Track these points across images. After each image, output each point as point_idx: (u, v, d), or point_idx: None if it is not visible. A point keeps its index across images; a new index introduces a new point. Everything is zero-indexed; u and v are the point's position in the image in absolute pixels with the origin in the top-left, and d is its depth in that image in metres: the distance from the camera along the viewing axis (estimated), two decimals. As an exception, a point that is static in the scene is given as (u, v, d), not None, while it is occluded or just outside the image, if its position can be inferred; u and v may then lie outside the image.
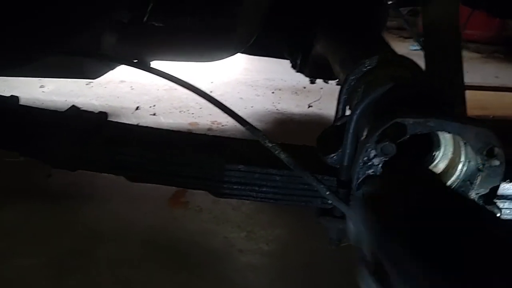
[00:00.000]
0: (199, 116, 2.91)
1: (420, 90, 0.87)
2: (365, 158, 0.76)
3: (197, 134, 1.10)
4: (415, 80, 0.92)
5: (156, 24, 1.81)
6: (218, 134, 2.81)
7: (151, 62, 1.79)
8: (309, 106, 3.30)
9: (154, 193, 2.13)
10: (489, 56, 4.95)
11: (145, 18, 1.72)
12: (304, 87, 3.63)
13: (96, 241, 1.85)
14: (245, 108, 3.18)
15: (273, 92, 3.53)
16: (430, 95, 0.86)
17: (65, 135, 0.97)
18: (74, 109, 1.06)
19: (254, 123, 3.22)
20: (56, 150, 0.96)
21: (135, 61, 1.64)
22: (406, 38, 5.40)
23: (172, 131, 1.10)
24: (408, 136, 0.73)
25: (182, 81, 1.19)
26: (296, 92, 3.55)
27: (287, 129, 2.95)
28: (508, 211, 1.00)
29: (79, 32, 1.49)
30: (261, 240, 1.91)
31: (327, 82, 3.75)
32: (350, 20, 1.53)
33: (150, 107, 3.07)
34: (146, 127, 1.11)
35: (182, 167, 0.99)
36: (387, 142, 0.71)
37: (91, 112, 1.08)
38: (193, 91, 1.15)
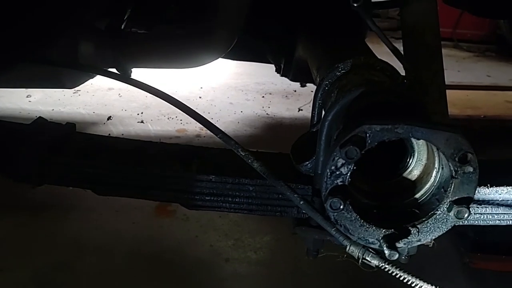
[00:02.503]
0: (187, 123, 2.88)
1: (392, 95, 0.84)
2: (333, 168, 0.72)
3: (169, 144, 1.07)
4: (388, 84, 0.89)
5: (134, 31, 1.78)
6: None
7: (132, 70, 1.76)
8: (299, 110, 3.27)
9: (140, 203, 2.06)
10: (480, 55, 4.92)
11: (122, 25, 1.69)
12: (295, 91, 3.60)
13: (80, 253, 1.81)
14: (235, 113, 3.15)
15: (263, 96, 3.50)
16: (403, 100, 0.83)
17: (29, 148, 0.94)
18: (40, 121, 1.02)
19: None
20: (19, 164, 0.93)
21: (113, 69, 1.61)
22: (397, 38, 5.37)
23: (143, 141, 1.06)
24: (375, 144, 0.70)
25: (156, 89, 1.17)
26: (286, 96, 3.52)
27: (277, 133, 2.92)
28: (490, 216, 0.96)
29: (54, 38, 1.46)
30: (249, 248, 1.87)
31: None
32: (329, 24, 1.50)
33: (138, 114, 3.03)
34: (117, 137, 1.08)
35: (152, 179, 0.95)
36: (350, 146, 0.68)
37: (59, 124, 1.05)
38: (165, 100, 1.12)
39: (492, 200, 0.95)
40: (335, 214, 0.75)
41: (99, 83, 3.37)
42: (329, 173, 0.73)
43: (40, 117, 1.03)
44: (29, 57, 1.39)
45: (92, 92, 3.34)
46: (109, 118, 2.94)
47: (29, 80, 1.55)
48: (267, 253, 1.85)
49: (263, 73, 3.78)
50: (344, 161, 0.71)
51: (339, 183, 0.73)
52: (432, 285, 0.82)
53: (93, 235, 1.91)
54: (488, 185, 0.95)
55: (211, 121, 1.01)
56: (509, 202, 0.95)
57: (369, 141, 0.70)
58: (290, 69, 1.88)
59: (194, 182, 0.95)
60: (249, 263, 1.78)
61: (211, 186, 0.95)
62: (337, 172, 0.72)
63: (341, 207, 0.73)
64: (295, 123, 3.06)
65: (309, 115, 3.34)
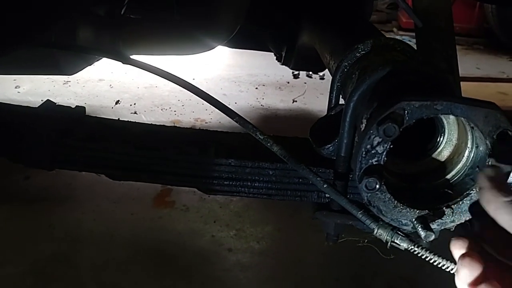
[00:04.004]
0: (181, 114, 2.83)
1: (419, 74, 0.82)
2: (368, 146, 0.70)
3: (183, 127, 1.03)
4: (413, 64, 0.87)
5: (134, 17, 1.73)
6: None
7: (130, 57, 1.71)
8: (293, 101, 3.25)
9: (138, 193, 2.06)
10: (469, 48, 4.97)
11: (122, 11, 1.64)
12: (288, 82, 3.58)
13: (77, 245, 1.77)
14: (229, 105, 3.03)
15: (256, 88, 3.47)
16: (431, 78, 0.81)
17: (40, 132, 0.90)
18: (49, 104, 0.98)
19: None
20: (30, 148, 0.89)
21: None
22: (386, 31, 5.39)
23: (156, 125, 1.02)
24: (413, 121, 0.68)
25: (167, 72, 1.13)
26: (280, 87, 3.49)
27: (272, 124, 2.89)
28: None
29: (53, 22, 1.41)
30: (251, 238, 1.85)
31: (310, 77, 3.73)
32: (337, 10, 1.48)
33: (131, 105, 2.97)
34: (128, 121, 1.04)
35: (167, 163, 0.92)
36: (389, 123, 0.66)
37: (68, 107, 1.00)
38: (179, 84, 1.08)
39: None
40: (369, 195, 0.72)
41: (89, 74, 3.30)
42: (364, 152, 0.70)
43: (48, 100, 0.98)
44: (28, 41, 1.34)
45: (83, 83, 3.27)
46: (117, 102, 2.88)
47: (26, 66, 1.50)
48: (269, 243, 1.83)
49: (255, 65, 3.75)
50: (380, 139, 0.69)
51: (374, 163, 0.71)
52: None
53: (90, 227, 1.87)
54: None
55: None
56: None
57: (407, 118, 0.67)
58: (291, 57, 1.85)
59: (212, 166, 0.92)
60: (252, 253, 1.76)
61: (230, 170, 0.93)
62: (373, 151, 0.70)
63: (377, 187, 0.71)
64: (290, 114, 3.03)
65: (304, 106, 3.33)
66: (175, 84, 0.99)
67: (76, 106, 1.01)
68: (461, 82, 3.55)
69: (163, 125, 1.03)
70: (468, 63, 4.37)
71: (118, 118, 1.12)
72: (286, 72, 3.50)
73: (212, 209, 1.96)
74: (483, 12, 4.96)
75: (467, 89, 3.34)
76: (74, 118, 0.97)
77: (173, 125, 2.76)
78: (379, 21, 5.50)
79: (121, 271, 1.66)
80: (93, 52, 1.33)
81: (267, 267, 1.71)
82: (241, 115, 0.93)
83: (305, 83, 3.56)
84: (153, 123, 1.03)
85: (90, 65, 1.70)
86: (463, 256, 0.62)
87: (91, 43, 1.56)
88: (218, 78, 3.58)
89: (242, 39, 1.91)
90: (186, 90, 0.99)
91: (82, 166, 0.93)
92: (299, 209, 1.93)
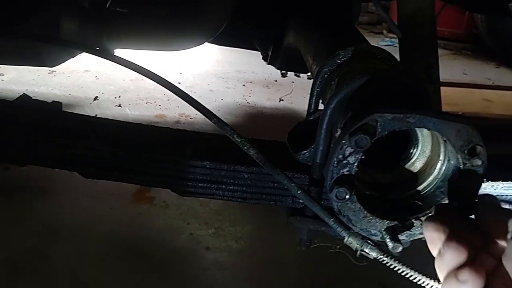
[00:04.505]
0: (166, 108, 2.82)
1: (398, 84, 0.82)
2: (340, 156, 0.70)
3: (160, 127, 1.02)
4: (393, 73, 0.87)
5: (120, 10, 1.71)
6: (186, 127, 2.74)
7: (114, 51, 1.70)
8: (280, 100, 3.25)
9: (118, 188, 2.04)
10: (457, 53, 5.01)
11: (108, 4, 1.62)
12: (276, 81, 3.58)
13: (54, 239, 1.75)
14: (215, 101, 3.10)
15: (244, 85, 3.46)
16: (408, 89, 0.81)
17: (14, 126, 0.88)
18: (24, 98, 0.97)
19: (224, 117, 3.14)
20: (4, 142, 0.87)
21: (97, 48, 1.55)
22: (376, 33, 5.41)
23: (133, 123, 1.02)
24: (385, 133, 0.68)
25: (148, 71, 1.11)
26: (267, 85, 3.49)
27: (258, 123, 2.89)
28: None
29: (34, 13, 1.39)
30: (230, 237, 1.85)
31: (298, 76, 3.73)
32: (323, 12, 1.47)
33: (116, 98, 2.95)
34: (105, 118, 1.03)
35: (142, 163, 0.91)
36: (361, 135, 0.66)
37: (44, 102, 0.99)
38: (158, 82, 1.07)
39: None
40: (339, 204, 0.72)
41: (75, 64, 3.26)
42: (336, 162, 0.70)
43: (24, 94, 0.97)
44: (7, 32, 1.32)
45: (68, 74, 3.24)
46: (95, 98, 2.85)
47: (6, 56, 1.47)
48: (248, 243, 1.83)
49: (243, 61, 3.74)
50: (352, 150, 0.69)
51: (346, 173, 0.71)
52: (429, 278, 0.82)
53: (68, 221, 1.85)
54: (485, 179, 0.94)
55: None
56: (503, 197, 0.96)
57: (379, 130, 0.67)
58: (278, 57, 1.85)
59: (187, 167, 0.91)
60: (230, 252, 1.76)
61: (205, 173, 0.92)
62: (344, 161, 0.70)
63: (347, 197, 0.71)
64: (276, 113, 3.04)
65: (290, 105, 3.32)
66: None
67: (52, 101, 0.99)
68: (448, 88, 3.58)
69: (140, 124, 1.02)
70: (456, 68, 4.40)
71: (96, 115, 1.10)
72: (274, 70, 3.48)
73: (192, 206, 1.96)
74: (473, 17, 5.00)
75: (453, 95, 3.39)
76: (50, 113, 0.95)
77: (156, 119, 2.75)
78: (369, 23, 5.51)
79: (97, 266, 1.65)
80: (74, 46, 1.31)
81: (244, 266, 1.71)
82: (227, 111, 0.93)
83: (293, 82, 3.56)
84: (129, 121, 1.02)
85: (73, 57, 1.68)
86: (449, 238, 0.61)
87: (75, 35, 1.54)
88: (206, 74, 3.56)
89: (229, 37, 1.90)
90: None
91: (55, 162, 0.91)
92: (279, 209, 1.93)
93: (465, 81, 3.81)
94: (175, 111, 2.80)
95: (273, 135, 1.12)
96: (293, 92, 3.38)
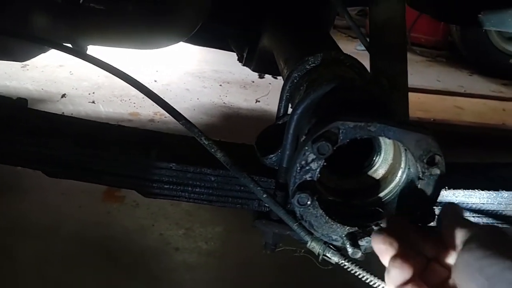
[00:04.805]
0: (141, 106, 2.79)
1: (363, 92, 0.83)
2: (303, 162, 0.71)
3: (127, 127, 1.01)
4: (359, 81, 0.89)
5: (95, 7, 1.69)
6: (160, 126, 2.72)
7: (87, 48, 1.68)
8: (256, 101, 3.25)
9: (88, 186, 1.97)
10: (432, 60, 5.09)
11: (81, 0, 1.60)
12: (253, 81, 3.58)
13: (20, 237, 1.72)
14: (191, 100, 3.08)
15: (220, 85, 3.45)
16: (373, 97, 0.82)
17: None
18: (-12, 94, 0.95)
19: (199, 116, 3.11)
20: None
21: (68, 45, 1.53)
22: (354, 38, 5.46)
23: (100, 123, 1.00)
24: (347, 141, 0.69)
25: (117, 69, 1.10)
26: (244, 86, 3.49)
27: (233, 124, 2.89)
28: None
29: (3, 6, 1.36)
30: (200, 238, 1.84)
31: (275, 78, 3.72)
32: (297, 16, 1.48)
33: (89, 94, 2.91)
34: (71, 117, 1.02)
35: (107, 163, 0.90)
36: (323, 141, 0.67)
37: (9, 98, 0.97)
38: (128, 82, 1.06)
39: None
40: (301, 209, 0.73)
41: (49, 59, 3.18)
42: (298, 168, 0.71)
43: (-13, 90, 0.94)
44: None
45: (42, 68, 3.17)
46: (63, 95, 2.80)
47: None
48: (218, 244, 1.83)
49: (221, 61, 3.73)
50: (314, 157, 0.69)
51: (308, 179, 0.71)
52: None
53: (36, 218, 1.82)
54: (446, 187, 0.97)
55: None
56: (464, 205, 0.98)
57: (341, 138, 0.68)
58: (253, 58, 1.85)
59: (152, 169, 0.91)
60: (199, 253, 1.75)
61: (171, 174, 0.92)
62: (307, 168, 0.71)
63: (309, 203, 0.72)
64: (252, 115, 3.04)
65: (267, 107, 3.32)
66: (136, 76, 0.98)
67: (18, 98, 0.97)
68: (421, 94, 3.63)
69: (107, 123, 1.01)
70: (430, 75, 4.48)
71: (63, 112, 1.08)
72: (251, 71, 3.50)
73: (162, 206, 1.94)
74: (448, 26, 5.09)
75: (426, 101, 3.44)
76: (14, 110, 0.94)
77: (130, 117, 2.72)
78: (347, 27, 5.56)
79: (64, 266, 1.62)
80: (44, 43, 1.29)
81: (213, 268, 1.71)
82: (202, 111, 0.93)
83: (270, 83, 3.57)
84: (96, 120, 1.00)
85: (45, 52, 1.65)
86: (394, 257, 0.63)
87: (47, 31, 1.52)
88: (182, 72, 3.54)
89: (204, 37, 1.90)
90: (147, 82, 0.97)
91: (17, 160, 0.90)
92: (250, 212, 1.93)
93: (438, 88, 3.88)
94: (150, 109, 2.78)
95: (249, 136, 1.12)
96: (270, 94, 3.38)
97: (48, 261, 1.63)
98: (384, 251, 0.63)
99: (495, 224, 1.02)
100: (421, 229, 0.68)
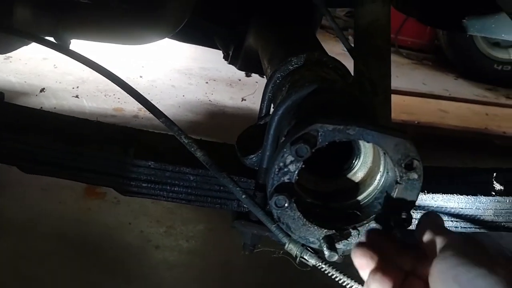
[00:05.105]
0: (125, 102, 2.76)
1: (344, 94, 0.83)
2: (281, 164, 0.70)
3: (107, 123, 1.00)
4: (341, 83, 0.88)
5: (78, 0, 1.67)
6: (144, 122, 2.70)
7: (70, 42, 1.65)
8: (242, 100, 3.24)
9: (69, 182, 1.94)
10: (418, 63, 5.13)
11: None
12: (239, 80, 3.56)
13: (-1, 233, 1.69)
14: (176, 97, 3.06)
15: (207, 82, 3.44)
16: (354, 100, 0.82)
17: None
18: (-37, 86, 0.92)
19: (185, 114, 3.09)
20: None
21: (50, 38, 1.50)
22: (342, 38, 5.47)
23: (79, 119, 0.99)
24: (326, 143, 0.68)
25: (98, 65, 1.09)
26: (230, 84, 3.47)
27: (218, 122, 2.87)
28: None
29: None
30: (181, 236, 1.83)
31: (262, 76, 3.72)
32: (283, 16, 1.48)
33: (73, 88, 2.87)
34: (49, 112, 1.00)
35: (85, 160, 0.89)
36: (302, 144, 0.66)
37: (-15, 92, 0.95)
38: (106, 76, 1.05)
39: (427, 207, 0.98)
40: (279, 211, 0.73)
41: (33, 51, 3.14)
42: (276, 170, 0.70)
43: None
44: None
45: (25, 60, 3.13)
46: (42, 90, 2.75)
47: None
48: (199, 243, 1.82)
49: (208, 59, 3.71)
50: (293, 159, 0.69)
51: (286, 181, 0.71)
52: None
53: (14, 214, 1.79)
54: (425, 191, 0.97)
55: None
56: (443, 209, 0.98)
57: (320, 140, 0.68)
58: (238, 57, 1.84)
59: (131, 167, 0.89)
60: (180, 252, 1.74)
61: (149, 173, 0.91)
62: (285, 169, 0.70)
63: (286, 205, 0.71)
64: (238, 113, 3.03)
65: (253, 106, 3.31)
66: (121, 71, 0.97)
67: (-6, 91, 0.95)
68: (406, 97, 3.65)
69: (87, 119, 0.99)
70: (416, 78, 4.51)
71: (41, 107, 1.06)
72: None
73: (143, 204, 1.92)
74: (435, 29, 5.13)
75: (411, 104, 3.47)
76: (-10, 104, 0.92)
77: (114, 112, 2.69)
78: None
79: (41, 263, 1.59)
80: (26, 36, 1.26)
81: (193, 266, 1.70)
82: (188, 108, 0.92)
83: (257, 82, 3.55)
84: (76, 117, 0.99)
85: (27, 45, 1.63)
86: (374, 271, 0.63)
87: (29, 24, 1.49)
88: (169, 68, 3.52)
89: (190, 33, 1.88)
90: (132, 78, 0.96)
91: (-8, 156, 0.88)
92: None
93: (423, 91, 3.91)
94: (134, 105, 2.75)
95: (233, 134, 1.10)
96: (256, 93, 3.37)
97: (24, 258, 1.60)
98: (365, 264, 0.63)
99: (473, 228, 1.03)
100: (399, 241, 0.68)
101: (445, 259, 0.57)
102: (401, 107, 3.26)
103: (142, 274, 1.62)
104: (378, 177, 0.77)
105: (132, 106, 2.72)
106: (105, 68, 1.00)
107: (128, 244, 1.74)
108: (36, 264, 1.59)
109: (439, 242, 0.60)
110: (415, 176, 0.71)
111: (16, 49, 1.59)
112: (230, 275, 1.68)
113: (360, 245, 0.66)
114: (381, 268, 0.62)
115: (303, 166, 0.71)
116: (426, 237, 0.64)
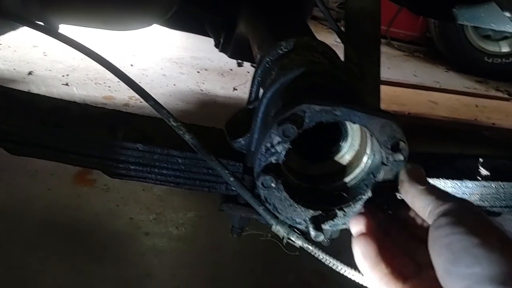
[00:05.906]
0: (116, 90, 2.75)
1: (332, 78, 0.83)
2: (268, 144, 0.71)
3: (94, 106, 1.00)
4: (329, 66, 0.89)
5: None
6: (135, 111, 2.68)
7: (59, 26, 1.63)
8: (234, 89, 3.24)
9: (58, 167, 1.97)
10: (410, 55, 5.15)
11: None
12: (231, 69, 3.56)
13: (-15, 219, 1.68)
14: (167, 86, 3.05)
15: (198, 72, 3.43)
16: (342, 84, 0.82)
17: None
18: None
19: (175, 103, 3.08)
20: None
21: (40, 23, 1.49)
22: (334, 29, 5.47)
23: (66, 101, 0.98)
24: (313, 124, 0.69)
25: (89, 49, 1.08)
26: (222, 74, 3.47)
27: (209, 111, 2.87)
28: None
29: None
30: (171, 223, 1.83)
31: (254, 66, 3.72)
32: (273, 3, 1.47)
33: (63, 76, 2.85)
34: (37, 94, 0.99)
35: (73, 142, 0.88)
36: (288, 124, 0.66)
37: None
38: (98, 62, 1.04)
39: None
40: (266, 191, 0.73)
41: (23, 38, 3.13)
42: (264, 150, 0.71)
43: None
44: None
45: (15, 48, 3.10)
46: (30, 73, 2.72)
47: None
48: (189, 230, 1.82)
49: (199, 48, 3.70)
50: (280, 139, 0.69)
51: (273, 161, 0.71)
52: (352, 268, 0.84)
53: (2, 200, 1.78)
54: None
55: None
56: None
57: (307, 121, 0.68)
58: (229, 44, 1.84)
59: (119, 149, 0.89)
60: (169, 238, 1.74)
61: (137, 155, 0.90)
62: (272, 150, 0.71)
63: (273, 185, 0.72)
64: (229, 102, 3.02)
65: (244, 95, 3.32)
66: (112, 59, 0.96)
67: (-20, 72, 0.94)
68: (397, 88, 3.67)
69: (75, 102, 0.99)
70: (407, 69, 4.53)
71: (29, 90, 1.06)
72: (230, 59, 3.48)
73: (134, 191, 1.92)
74: (427, 22, 5.15)
75: (402, 95, 3.48)
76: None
77: (104, 101, 2.68)
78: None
79: (30, 250, 1.59)
80: (14, 19, 1.25)
81: (183, 253, 1.70)
82: (179, 97, 0.91)
83: (248, 72, 3.54)
84: (64, 99, 0.98)
85: (15, 30, 1.61)
86: (359, 236, 0.68)
87: (17, 7, 1.47)
88: (160, 57, 3.50)
89: (180, 20, 1.88)
90: (123, 66, 0.95)
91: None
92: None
93: (414, 83, 3.93)
94: (125, 93, 2.74)
95: (224, 123, 1.11)
96: (248, 82, 3.37)
97: (11, 244, 1.59)
98: (359, 231, 0.68)
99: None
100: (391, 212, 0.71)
101: (440, 227, 0.57)
102: (392, 98, 3.28)
103: (131, 260, 1.63)
104: (365, 159, 0.78)
105: (122, 95, 2.71)
106: (93, 51, 0.99)
107: (117, 230, 1.74)
108: (24, 250, 1.59)
109: (434, 205, 0.61)
110: (401, 157, 0.71)
111: (4, 34, 1.57)
112: (220, 261, 1.69)
113: (358, 215, 0.71)
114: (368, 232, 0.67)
115: (291, 147, 0.71)
116: (418, 204, 0.65)
